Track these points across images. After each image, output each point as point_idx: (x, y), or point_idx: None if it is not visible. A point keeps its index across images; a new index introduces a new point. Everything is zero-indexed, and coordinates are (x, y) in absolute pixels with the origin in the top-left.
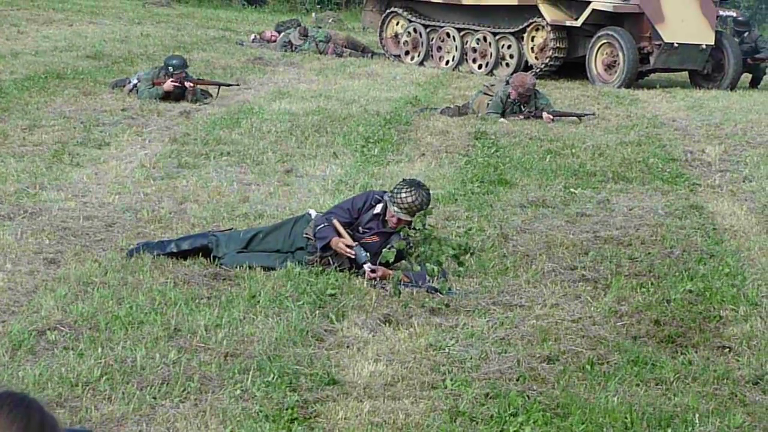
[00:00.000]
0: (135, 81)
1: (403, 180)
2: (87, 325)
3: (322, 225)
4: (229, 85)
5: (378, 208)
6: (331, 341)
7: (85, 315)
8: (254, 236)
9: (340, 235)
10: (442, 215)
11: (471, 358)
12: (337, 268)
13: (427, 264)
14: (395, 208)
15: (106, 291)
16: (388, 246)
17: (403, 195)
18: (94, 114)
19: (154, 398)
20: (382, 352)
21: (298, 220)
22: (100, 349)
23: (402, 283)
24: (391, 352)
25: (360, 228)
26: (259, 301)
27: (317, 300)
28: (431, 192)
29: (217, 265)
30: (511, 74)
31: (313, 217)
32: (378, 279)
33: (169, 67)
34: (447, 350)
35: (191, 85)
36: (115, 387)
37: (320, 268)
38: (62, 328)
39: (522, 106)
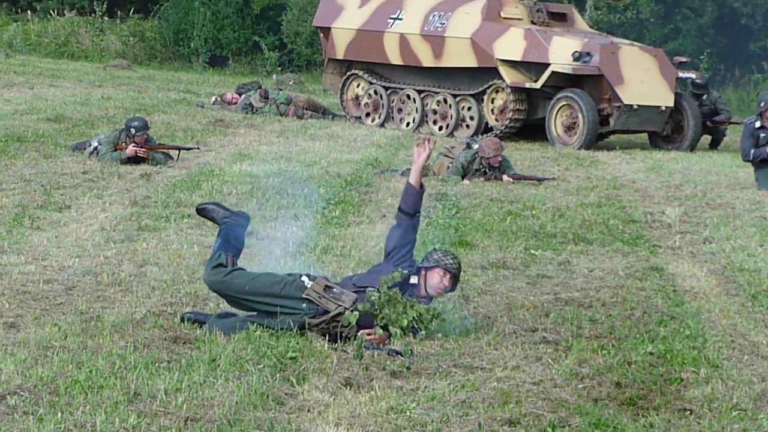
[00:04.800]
0: (95, 144)
1: (434, 250)
2: (47, 389)
3: None
4: (189, 149)
5: (414, 279)
6: (291, 405)
7: (44, 379)
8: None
9: None
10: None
11: (432, 422)
12: (337, 336)
13: (391, 327)
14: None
15: (66, 355)
16: (351, 309)
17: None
18: (55, 177)
19: None
20: (343, 416)
21: (288, 283)
22: (59, 414)
23: (369, 345)
24: (352, 415)
25: None
26: (219, 365)
27: (278, 363)
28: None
29: (180, 322)
30: (472, 136)
31: (306, 283)
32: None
33: (131, 129)
34: (408, 413)
35: (147, 152)
36: None
37: (280, 333)
38: (22, 393)
39: (490, 170)
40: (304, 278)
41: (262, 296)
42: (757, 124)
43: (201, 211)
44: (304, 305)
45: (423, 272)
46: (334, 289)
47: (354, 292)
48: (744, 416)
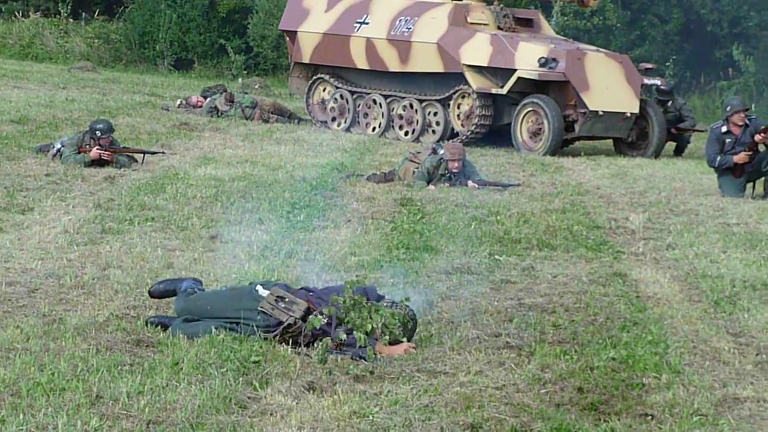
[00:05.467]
0: (58, 146)
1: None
2: (8, 391)
3: None
4: (153, 153)
5: None
6: (254, 409)
7: (6, 381)
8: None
9: None
10: (368, 282)
11: (395, 426)
12: (302, 344)
13: (356, 332)
14: None
15: (28, 357)
16: (315, 312)
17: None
18: (18, 179)
19: None
20: (306, 420)
21: (244, 295)
22: (21, 416)
23: (331, 350)
24: (314, 419)
25: None
26: (182, 368)
27: (241, 367)
28: (358, 258)
29: (144, 326)
30: (437, 142)
31: (261, 293)
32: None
33: (96, 132)
34: (371, 418)
35: (111, 155)
36: None
37: (244, 337)
38: None
39: (454, 175)
40: (259, 288)
41: (224, 311)
42: (723, 129)
43: (154, 294)
44: (259, 317)
45: None
46: (286, 299)
47: (308, 307)
48: (705, 422)
